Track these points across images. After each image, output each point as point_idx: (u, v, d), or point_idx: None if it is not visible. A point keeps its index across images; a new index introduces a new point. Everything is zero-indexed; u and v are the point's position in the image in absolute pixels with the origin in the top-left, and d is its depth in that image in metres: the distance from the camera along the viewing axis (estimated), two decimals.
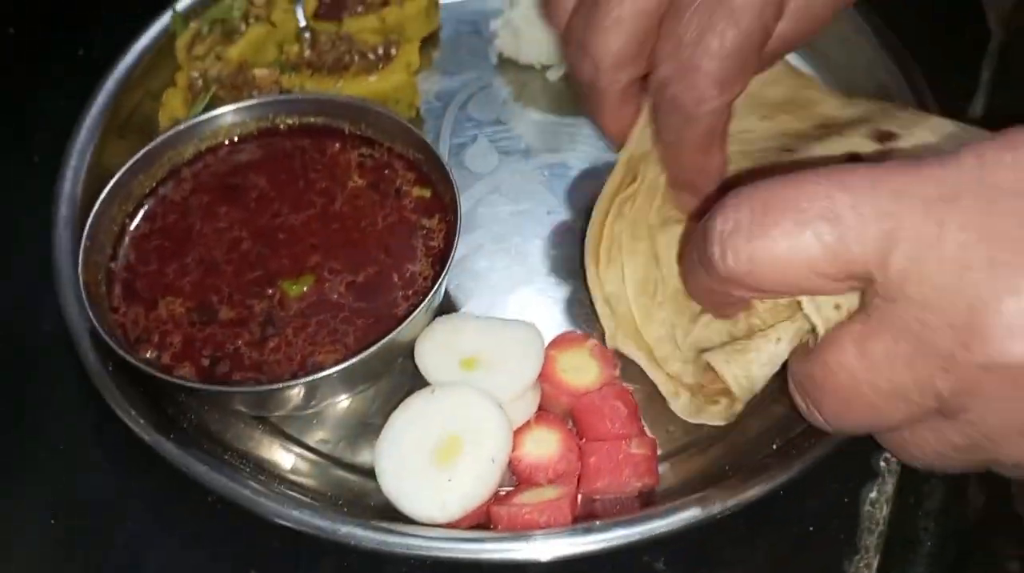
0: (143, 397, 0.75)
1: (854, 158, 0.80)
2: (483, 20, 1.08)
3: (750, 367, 0.68)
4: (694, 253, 0.58)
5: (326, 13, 1.01)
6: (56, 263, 0.81)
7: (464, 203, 0.79)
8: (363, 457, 0.77)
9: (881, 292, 0.50)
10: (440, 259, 0.79)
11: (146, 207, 0.82)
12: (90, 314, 0.72)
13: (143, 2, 1.04)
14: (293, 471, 0.76)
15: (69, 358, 0.78)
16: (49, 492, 0.78)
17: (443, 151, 0.95)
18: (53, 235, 0.84)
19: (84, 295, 0.73)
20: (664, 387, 0.75)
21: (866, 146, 0.80)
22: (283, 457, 0.77)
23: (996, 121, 0.91)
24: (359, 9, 1.00)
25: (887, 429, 0.56)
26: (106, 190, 0.79)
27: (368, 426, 0.78)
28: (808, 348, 0.59)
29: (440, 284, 0.74)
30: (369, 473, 0.73)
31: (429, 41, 1.07)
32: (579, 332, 0.82)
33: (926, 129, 0.79)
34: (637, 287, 0.78)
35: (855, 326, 0.53)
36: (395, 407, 0.75)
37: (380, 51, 0.96)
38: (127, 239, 0.80)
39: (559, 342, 0.80)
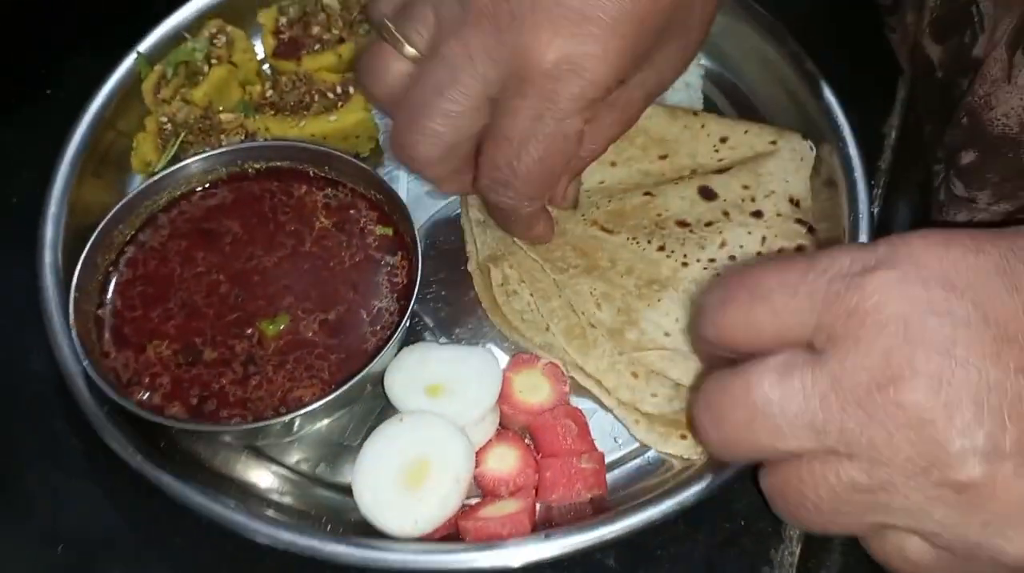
0: (136, 433, 0.81)
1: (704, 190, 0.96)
2: None
3: None
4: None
5: (284, 52, 1.06)
6: (45, 308, 0.87)
7: (423, 235, 0.87)
8: (341, 476, 0.85)
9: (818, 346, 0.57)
10: (404, 294, 0.86)
11: (128, 254, 0.88)
12: (85, 363, 0.78)
13: (108, 42, 1.08)
14: (278, 492, 0.84)
15: (59, 397, 0.84)
16: (44, 525, 0.84)
17: (404, 182, 1.02)
18: (40, 281, 0.89)
19: (78, 344, 0.80)
20: (622, 415, 0.86)
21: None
22: (268, 479, 0.85)
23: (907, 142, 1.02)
24: (316, 47, 1.06)
25: (783, 455, 0.58)
26: (89, 242, 0.85)
27: (344, 447, 0.86)
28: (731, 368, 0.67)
29: (405, 322, 0.82)
30: (347, 491, 0.81)
31: None
32: (528, 354, 0.90)
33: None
34: (566, 335, 0.89)
35: (782, 357, 0.58)
36: (368, 429, 0.84)
37: (339, 90, 1.02)
38: (112, 286, 0.86)
39: (514, 364, 0.88)
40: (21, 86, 1.15)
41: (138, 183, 1.00)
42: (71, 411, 0.83)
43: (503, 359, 0.90)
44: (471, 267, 0.97)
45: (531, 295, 0.93)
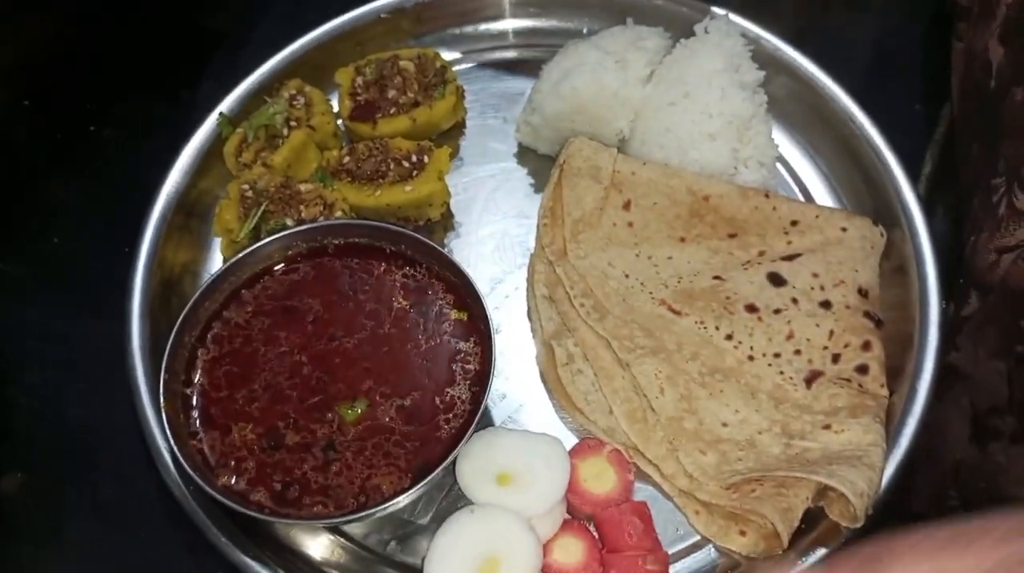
0: (220, 513, 0.86)
1: (773, 276, 0.97)
2: (507, 104, 1.16)
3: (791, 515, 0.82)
4: None
5: (360, 114, 1.08)
6: (135, 385, 0.92)
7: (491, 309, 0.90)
8: (411, 555, 0.89)
9: None
10: (476, 381, 0.89)
11: (213, 331, 0.92)
12: (175, 449, 0.83)
13: (156, 80, 1.14)
14: (352, 571, 0.88)
15: (147, 472, 0.89)
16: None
17: (472, 245, 1.05)
18: (128, 357, 0.94)
19: (167, 428, 0.84)
20: (681, 504, 0.88)
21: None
22: (343, 557, 0.89)
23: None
24: (391, 111, 1.08)
25: None
26: (178, 321, 0.89)
27: (415, 525, 0.90)
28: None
29: (479, 413, 0.85)
30: (417, 571, 0.86)
31: (455, 129, 1.14)
32: (594, 439, 0.92)
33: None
34: (628, 418, 0.91)
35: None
36: (437, 507, 0.88)
37: (414, 158, 1.04)
38: (199, 365, 0.90)
39: (580, 449, 0.91)
40: (65, 124, 1.16)
41: (219, 245, 1.04)
42: (158, 485, 0.88)
43: (568, 440, 0.93)
44: (536, 345, 0.99)
45: (595, 375, 0.95)
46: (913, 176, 1.03)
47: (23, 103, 1.18)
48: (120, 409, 0.95)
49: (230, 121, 1.08)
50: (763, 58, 1.07)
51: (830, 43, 1.14)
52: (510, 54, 1.19)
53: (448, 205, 1.08)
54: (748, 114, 1.01)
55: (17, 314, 1.04)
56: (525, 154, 1.13)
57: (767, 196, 1.01)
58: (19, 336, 1.03)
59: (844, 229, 0.99)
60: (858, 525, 0.82)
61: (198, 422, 0.88)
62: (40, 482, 0.93)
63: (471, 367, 0.90)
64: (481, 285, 0.92)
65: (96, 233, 1.09)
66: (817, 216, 1.00)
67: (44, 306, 1.05)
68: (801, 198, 1.07)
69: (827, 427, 0.88)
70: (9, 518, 0.92)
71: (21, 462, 0.95)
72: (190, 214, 1.06)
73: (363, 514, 0.82)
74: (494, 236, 1.07)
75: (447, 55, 1.14)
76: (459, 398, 0.89)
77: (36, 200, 1.12)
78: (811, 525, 0.86)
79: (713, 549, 0.88)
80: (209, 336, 0.92)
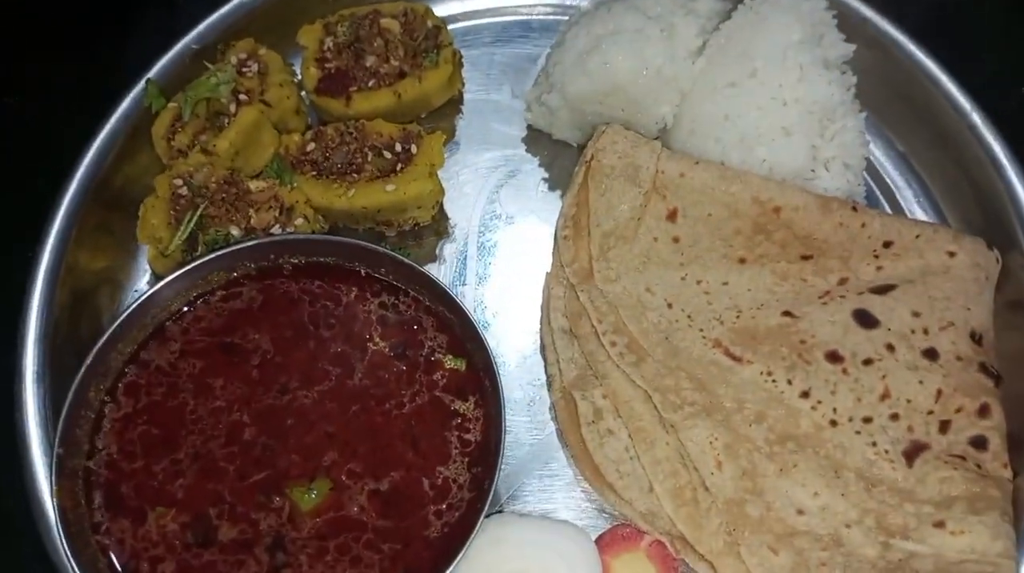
0: None
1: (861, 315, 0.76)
2: (514, 75, 0.94)
3: None
4: None
5: (330, 87, 0.86)
6: (28, 461, 0.72)
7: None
8: None
9: None
10: (478, 458, 0.68)
11: (127, 378, 0.70)
12: (70, 559, 0.61)
13: (73, 39, 0.95)
14: None
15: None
16: None
17: (470, 259, 0.84)
18: (17, 410, 0.73)
19: (61, 528, 0.62)
20: None
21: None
22: None
23: None
24: (370, 83, 0.85)
25: None
26: (80, 373, 0.67)
27: None
28: None
29: (483, 509, 0.64)
30: None
31: (450, 106, 0.92)
32: (629, 527, 0.71)
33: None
34: (674, 500, 0.72)
35: None
36: None
37: (398, 147, 0.82)
38: (106, 426, 0.68)
39: (610, 543, 0.72)
40: None
41: (146, 254, 0.81)
42: None
43: (596, 526, 0.73)
44: (553, 395, 0.78)
45: (631, 438, 0.74)
46: None
47: None
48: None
49: (161, 92, 0.86)
50: (851, 29, 0.85)
51: (937, 20, 0.93)
52: (521, 12, 0.98)
53: (441, 205, 0.87)
54: (834, 102, 0.82)
55: None
56: (537, 138, 0.93)
57: (854, 209, 0.80)
58: None
59: (952, 254, 0.79)
60: None
61: (103, 506, 0.65)
62: None
63: (471, 437, 0.69)
64: (480, 313, 0.74)
65: None
66: (918, 236, 0.79)
67: None
68: (890, 211, 0.85)
69: (940, 525, 0.70)
70: None
71: None
72: (111, 208, 0.85)
73: None
74: (499, 246, 0.87)
75: (441, 11, 0.92)
76: (454, 481, 0.67)
77: None
78: None
79: None
80: (121, 385, 0.69)
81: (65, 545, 0.62)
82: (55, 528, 0.65)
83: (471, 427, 0.69)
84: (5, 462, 0.73)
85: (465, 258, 0.86)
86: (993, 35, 0.98)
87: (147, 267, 0.83)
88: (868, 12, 0.87)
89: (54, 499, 0.63)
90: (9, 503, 0.73)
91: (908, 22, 0.87)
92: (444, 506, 0.66)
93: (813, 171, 0.81)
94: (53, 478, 0.64)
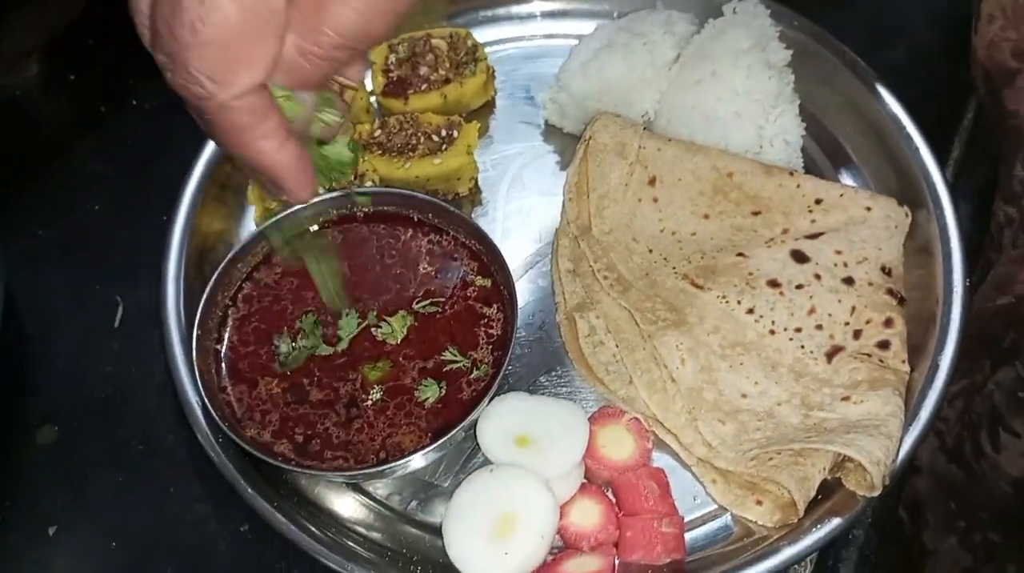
0: (245, 465, 0.88)
1: (797, 254, 0.98)
2: (535, 85, 1.18)
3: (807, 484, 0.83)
4: None
5: (392, 90, 1.11)
6: (168, 342, 0.94)
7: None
8: (431, 515, 0.90)
9: None
10: (498, 345, 0.90)
11: (244, 291, 0.94)
12: (206, 402, 0.85)
13: None
14: (369, 526, 0.90)
15: (179, 426, 0.92)
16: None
17: (498, 220, 1.07)
18: (163, 315, 0.96)
19: (199, 381, 0.86)
20: (699, 473, 0.89)
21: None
22: (360, 512, 0.91)
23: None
24: (423, 87, 1.10)
25: None
26: (211, 281, 0.91)
27: (435, 487, 0.91)
28: None
29: (499, 375, 0.86)
30: (435, 531, 0.88)
31: (485, 108, 1.16)
32: (613, 407, 0.93)
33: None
34: (648, 389, 0.92)
35: None
36: (458, 471, 0.89)
37: (443, 133, 1.06)
38: (230, 322, 0.92)
39: (599, 417, 0.92)
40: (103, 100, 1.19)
41: (251, 216, 1.07)
42: (188, 438, 0.90)
43: (588, 408, 0.94)
44: (559, 317, 1.01)
45: (616, 346, 0.96)
46: (941, 161, 1.03)
47: (69, 77, 1.22)
48: (150, 368, 0.98)
49: None
50: (791, 39, 1.08)
51: (859, 25, 1.15)
52: (540, 37, 1.22)
53: (476, 180, 1.10)
54: (774, 93, 1.02)
55: (55, 279, 1.07)
56: (552, 133, 1.15)
57: (791, 174, 1.02)
58: (56, 299, 1.06)
59: (868, 208, 1.00)
60: (875, 494, 0.82)
61: (227, 377, 0.89)
62: (72, 435, 0.96)
63: (494, 332, 0.91)
64: (506, 259, 0.93)
65: (134, 202, 1.11)
66: (842, 195, 1.00)
67: (80, 271, 1.07)
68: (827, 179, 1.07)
69: (846, 399, 0.88)
70: (41, 469, 0.94)
71: (54, 416, 0.97)
72: (224, 186, 1.08)
73: (383, 469, 0.83)
74: (520, 211, 1.09)
75: (479, 36, 1.16)
76: (482, 361, 0.90)
77: (78, 171, 1.15)
78: (827, 495, 0.86)
79: (729, 518, 0.89)
80: (240, 296, 0.94)
81: (203, 396, 0.86)
82: (193, 389, 0.90)
83: (494, 325, 0.92)
84: (153, 367, 0.98)
85: (494, 220, 1.08)
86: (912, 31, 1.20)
87: (253, 227, 1.07)
88: (805, 24, 1.09)
89: (195, 366, 0.87)
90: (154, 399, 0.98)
91: (836, 30, 1.09)
92: (472, 377, 0.89)
93: (760, 147, 1.02)
94: (194, 353, 0.88)
